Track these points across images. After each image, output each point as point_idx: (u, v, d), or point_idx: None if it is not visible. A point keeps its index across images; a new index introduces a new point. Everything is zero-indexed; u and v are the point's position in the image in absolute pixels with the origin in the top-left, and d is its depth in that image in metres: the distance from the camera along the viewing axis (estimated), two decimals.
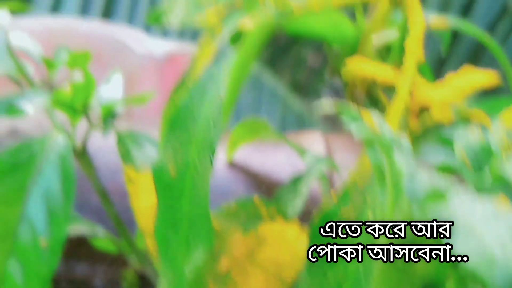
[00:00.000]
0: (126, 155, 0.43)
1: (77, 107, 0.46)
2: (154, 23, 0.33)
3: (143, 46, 0.71)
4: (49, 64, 0.51)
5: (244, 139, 0.56)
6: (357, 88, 0.37)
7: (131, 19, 1.50)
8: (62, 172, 0.42)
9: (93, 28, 0.72)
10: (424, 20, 0.33)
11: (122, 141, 0.44)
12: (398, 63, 0.35)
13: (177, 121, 0.31)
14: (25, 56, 0.54)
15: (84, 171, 0.48)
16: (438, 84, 0.34)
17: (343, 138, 0.62)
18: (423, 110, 0.34)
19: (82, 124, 0.49)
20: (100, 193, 0.47)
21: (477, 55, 1.48)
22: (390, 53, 0.43)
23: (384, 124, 0.27)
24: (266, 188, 0.56)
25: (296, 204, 0.46)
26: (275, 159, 0.57)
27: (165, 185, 0.31)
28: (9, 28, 0.64)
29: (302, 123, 1.71)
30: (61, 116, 0.49)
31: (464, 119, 0.32)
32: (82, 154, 0.47)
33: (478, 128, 0.29)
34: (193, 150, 0.30)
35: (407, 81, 0.32)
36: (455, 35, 1.53)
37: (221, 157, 0.56)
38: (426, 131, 0.33)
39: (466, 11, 1.52)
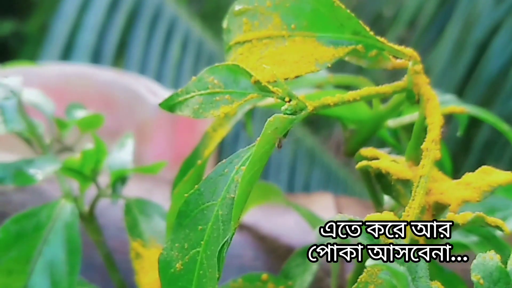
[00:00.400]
0: (133, 228, 0.42)
1: (86, 173, 0.45)
2: (167, 111, 0.33)
3: (157, 96, 0.71)
4: (61, 124, 0.51)
5: (253, 203, 0.55)
6: (371, 175, 0.36)
7: (142, 69, 1.51)
8: (68, 243, 0.42)
9: (108, 76, 0.72)
10: (441, 121, 0.32)
11: (129, 212, 0.43)
12: (414, 156, 0.34)
13: (186, 217, 0.30)
14: (38, 113, 0.53)
15: (91, 236, 0.47)
16: (455, 182, 0.33)
17: (355, 201, 0.61)
18: (439, 208, 0.33)
19: (91, 188, 0.48)
20: (105, 259, 0.47)
21: (495, 91, 1.48)
22: (404, 135, 0.42)
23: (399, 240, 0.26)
24: (276, 253, 0.55)
25: (305, 280, 0.45)
26: (285, 223, 0.56)
27: (170, 278, 0.30)
28: (25, 79, 0.63)
29: (313, 157, 1.71)
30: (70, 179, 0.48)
31: (480, 222, 0.32)
32: (89, 219, 0.46)
33: (496, 255, 0.28)
34: (202, 250, 0.29)
35: (425, 183, 0.31)
36: (472, 72, 1.53)
37: None
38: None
39: (482, 50, 1.51)
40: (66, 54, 1.54)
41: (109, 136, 0.70)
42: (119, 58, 1.59)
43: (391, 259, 0.25)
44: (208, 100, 0.31)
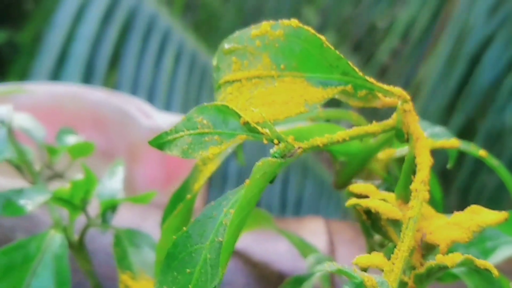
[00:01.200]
0: (122, 260, 0.42)
1: (76, 203, 0.45)
2: (156, 148, 0.33)
3: (149, 118, 0.71)
4: (51, 150, 0.51)
5: (244, 229, 0.55)
6: (360, 210, 0.36)
7: (135, 80, 1.51)
8: (57, 275, 0.42)
9: (99, 97, 0.72)
10: (430, 161, 0.32)
11: (119, 243, 0.43)
12: (404, 195, 0.34)
13: (174, 259, 0.30)
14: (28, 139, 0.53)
15: (80, 266, 0.47)
16: (444, 222, 0.33)
17: (346, 226, 0.61)
18: (428, 248, 0.33)
19: (82, 216, 0.48)
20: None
21: (487, 102, 1.48)
22: (395, 166, 0.42)
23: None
24: (267, 279, 0.55)
25: None
26: (276, 249, 0.56)
27: None
28: (14, 99, 0.63)
29: (305, 169, 1.71)
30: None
31: (469, 264, 0.32)
32: (79, 249, 0.46)
33: None
34: None
35: (413, 224, 0.31)
36: (465, 84, 1.53)
37: None
38: (430, 270, 0.32)
39: (475, 62, 1.52)
40: (59, 64, 1.54)
41: (100, 157, 0.70)
42: (112, 69, 1.58)
43: None
44: (197, 140, 0.31)
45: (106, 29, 1.57)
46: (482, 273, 0.42)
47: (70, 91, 0.74)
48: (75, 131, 0.55)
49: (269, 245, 0.56)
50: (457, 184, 1.41)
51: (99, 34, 1.56)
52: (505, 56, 1.51)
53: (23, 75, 1.70)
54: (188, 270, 0.29)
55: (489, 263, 0.31)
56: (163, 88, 1.57)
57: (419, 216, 0.32)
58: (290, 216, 1.54)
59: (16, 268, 0.41)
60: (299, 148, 0.30)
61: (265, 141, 0.30)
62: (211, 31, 1.83)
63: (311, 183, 1.68)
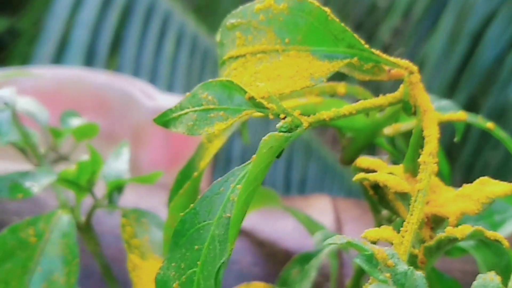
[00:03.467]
0: (130, 240, 0.42)
1: (82, 184, 0.45)
2: (161, 126, 0.33)
3: (152, 99, 0.71)
4: (55, 133, 0.51)
5: (251, 208, 0.55)
6: (367, 185, 0.36)
7: (136, 64, 1.50)
8: (65, 254, 0.42)
9: (102, 79, 0.71)
10: (438, 134, 0.32)
11: (126, 223, 0.43)
12: (412, 168, 0.34)
13: (182, 236, 0.30)
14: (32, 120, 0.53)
15: (88, 247, 0.47)
16: (453, 194, 0.33)
17: (352, 203, 0.61)
18: (437, 220, 0.33)
19: (88, 198, 0.48)
20: (103, 269, 0.47)
21: (489, 80, 1.48)
22: (401, 141, 0.42)
23: (398, 261, 0.26)
24: (274, 258, 0.55)
25: (304, 287, 0.45)
26: (283, 228, 0.56)
27: None
28: (17, 83, 0.63)
29: (309, 150, 1.70)
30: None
31: (479, 236, 0.31)
32: (86, 230, 0.46)
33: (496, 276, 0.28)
34: (199, 270, 0.29)
35: (423, 197, 0.31)
36: (467, 62, 1.52)
37: None
38: (440, 243, 0.32)
39: (476, 40, 1.51)
40: (60, 50, 1.54)
41: (104, 140, 0.70)
42: (113, 54, 1.58)
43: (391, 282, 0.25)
44: (202, 116, 0.31)
45: (106, 14, 1.56)
46: (490, 246, 0.42)
47: (73, 75, 0.74)
48: (78, 113, 0.55)
49: (276, 224, 0.56)
50: (461, 161, 1.41)
51: (100, 19, 1.55)
52: (507, 33, 1.50)
53: (24, 61, 1.70)
54: (196, 247, 0.29)
55: (499, 234, 0.31)
56: (164, 72, 1.57)
57: (428, 189, 0.31)
58: (294, 195, 1.54)
59: (25, 246, 0.41)
60: (305, 121, 0.30)
61: (271, 116, 0.30)
62: (211, 13, 1.82)
63: (315, 163, 1.68)
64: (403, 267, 0.26)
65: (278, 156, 0.29)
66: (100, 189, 0.48)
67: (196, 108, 0.31)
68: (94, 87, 0.74)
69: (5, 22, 2.00)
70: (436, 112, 0.34)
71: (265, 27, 0.33)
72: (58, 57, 1.51)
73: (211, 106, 0.31)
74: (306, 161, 1.66)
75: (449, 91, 1.50)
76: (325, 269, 0.53)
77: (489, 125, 0.39)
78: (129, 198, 0.54)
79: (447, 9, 1.55)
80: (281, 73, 0.32)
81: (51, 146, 0.52)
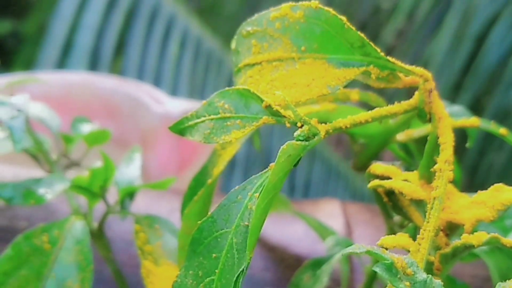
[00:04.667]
0: (143, 246, 0.42)
1: (95, 190, 0.45)
2: (177, 133, 0.33)
3: (160, 104, 0.71)
4: (67, 139, 0.51)
5: None
6: (381, 192, 0.36)
7: (141, 68, 1.50)
8: (79, 261, 0.42)
9: (110, 84, 0.71)
10: (453, 140, 0.32)
11: (139, 229, 0.43)
12: (427, 175, 0.34)
13: (200, 244, 0.30)
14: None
15: (100, 253, 0.47)
16: (468, 201, 0.33)
17: (362, 208, 0.61)
18: (453, 227, 0.33)
19: (100, 204, 0.48)
20: (115, 275, 0.47)
21: (493, 81, 1.48)
22: (414, 147, 0.42)
23: (417, 270, 0.26)
24: (285, 263, 0.55)
25: None
26: (294, 233, 0.56)
27: None
28: (26, 88, 0.63)
29: (313, 152, 1.70)
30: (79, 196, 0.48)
31: (495, 243, 0.31)
32: (98, 236, 0.46)
33: None
34: (217, 278, 0.29)
35: (439, 205, 0.31)
36: (471, 63, 1.52)
37: None
38: (456, 250, 0.32)
39: (480, 42, 1.51)
40: (64, 54, 1.54)
41: (113, 145, 0.70)
42: (118, 57, 1.58)
43: None
44: (219, 125, 0.31)
45: (110, 17, 1.57)
46: (504, 252, 0.42)
47: (81, 80, 0.74)
48: (89, 119, 0.55)
49: (286, 228, 0.56)
50: (465, 163, 1.41)
51: (104, 22, 1.56)
52: (511, 35, 1.50)
53: (28, 65, 1.70)
54: (214, 255, 0.29)
55: None
56: (169, 74, 1.57)
57: (444, 196, 0.31)
58: (298, 198, 1.54)
59: (39, 253, 0.42)
60: (322, 130, 0.30)
61: (287, 125, 0.30)
62: (215, 16, 1.82)
63: (319, 166, 1.68)
64: (422, 275, 0.26)
65: (295, 165, 0.30)
66: (112, 195, 0.49)
67: (213, 117, 0.31)
68: (103, 92, 0.74)
69: (9, 26, 2.00)
70: (451, 119, 0.35)
71: (281, 35, 0.33)
72: (62, 61, 1.51)
73: (228, 115, 0.31)
74: (310, 163, 1.66)
75: (453, 92, 1.50)
76: (336, 274, 0.53)
77: (502, 131, 0.39)
78: (140, 204, 0.54)
79: (451, 11, 1.55)
80: (297, 81, 0.32)
81: (63, 153, 0.52)
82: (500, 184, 0.33)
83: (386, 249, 0.31)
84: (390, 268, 0.26)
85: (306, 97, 0.32)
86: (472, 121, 0.38)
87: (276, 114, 0.30)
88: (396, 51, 1.73)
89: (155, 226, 0.44)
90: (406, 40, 1.77)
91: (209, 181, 0.38)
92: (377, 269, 0.26)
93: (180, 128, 0.33)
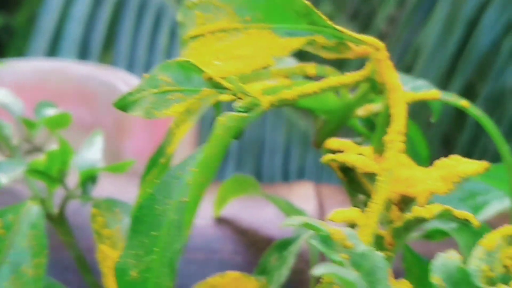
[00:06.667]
0: (101, 230, 0.41)
1: (53, 174, 0.44)
2: (121, 111, 0.32)
3: None
4: (28, 124, 0.50)
5: (232, 195, 0.54)
6: (335, 168, 0.35)
7: (131, 58, 1.50)
8: (33, 246, 0.41)
9: (85, 71, 0.70)
10: (405, 113, 0.31)
11: (97, 213, 0.42)
12: (380, 148, 0.33)
13: (140, 223, 0.29)
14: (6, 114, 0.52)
15: (62, 238, 0.46)
16: (422, 173, 0.32)
17: (336, 190, 0.60)
18: (406, 201, 0.32)
19: (62, 190, 0.47)
20: (78, 261, 0.46)
21: (486, 66, 1.47)
22: (373, 123, 0.41)
23: (357, 242, 0.25)
24: (256, 246, 0.54)
25: (282, 274, 0.44)
26: (264, 216, 0.55)
27: (126, 285, 0.29)
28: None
29: (307, 141, 1.69)
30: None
31: (448, 216, 0.30)
32: (59, 221, 0.45)
33: (457, 255, 0.27)
34: (156, 257, 0.28)
35: (388, 177, 0.30)
36: (463, 49, 1.51)
37: (208, 213, 0.55)
38: (408, 224, 0.31)
39: (472, 26, 1.50)
40: (54, 45, 1.53)
41: (88, 132, 0.69)
42: (107, 49, 1.57)
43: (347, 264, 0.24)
44: (160, 99, 0.30)
45: (99, 8, 1.56)
46: (472, 229, 0.41)
47: (55, 67, 0.73)
48: (55, 104, 0.54)
49: (257, 212, 0.55)
50: (459, 148, 1.40)
51: (92, 13, 1.55)
52: (502, 18, 1.49)
53: (19, 57, 1.69)
54: (154, 233, 0.28)
55: (468, 213, 0.30)
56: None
57: (395, 168, 0.30)
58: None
59: None
60: (265, 101, 0.29)
61: (227, 97, 0.29)
62: None
63: (313, 155, 1.67)
64: (361, 247, 0.25)
65: (236, 138, 0.28)
66: (74, 180, 0.47)
67: (154, 90, 0.30)
68: (77, 78, 0.73)
69: (1, 20, 1.99)
70: (406, 91, 0.33)
71: (225, 5, 0.32)
72: (52, 52, 1.50)
73: (169, 88, 0.30)
74: (303, 152, 1.65)
75: (446, 77, 1.49)
76: (307, 255, 0.52)
77: (463, 103, 0.38)
78: (108, 189, 0.53)
79: None
80: (242, 52, 0.31)
81: (25, 138, 0.51)
82: (457, 156, 0.32)
83: (352, 226, 0.30)
84: (326, 239, 0.25)
85: (250, 68, 0.30)
86: (432, 93, 0.37)
87: (217, 86, 0.29)
88: (389, 38, 1.71)
89: (115, 209, 0.43)
90: (398, 27, 1.75)
91: (162, 160, 0.37)
92: (313, 242, 0.25)
93: (123, 103, 0.31)
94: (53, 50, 1.52)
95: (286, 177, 1.60)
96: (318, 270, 0.22)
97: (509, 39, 1.47)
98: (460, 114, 1.43)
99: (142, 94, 0.31)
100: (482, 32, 1.50)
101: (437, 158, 0.33)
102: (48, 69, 0.74)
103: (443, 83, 1.46)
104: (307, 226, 0.25)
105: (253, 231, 0.54)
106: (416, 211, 0.30)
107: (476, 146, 1.41)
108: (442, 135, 1.39)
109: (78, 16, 1.54)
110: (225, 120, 0.28)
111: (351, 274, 0.23)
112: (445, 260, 0.26)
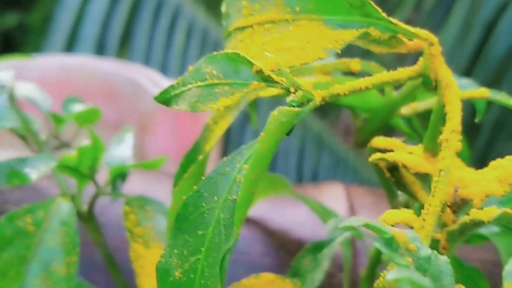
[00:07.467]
0: (133, 229, 0.40)
1: (83, 171, 0.43)
2: (163, 105, 0.30)
3: (160, 87, 0.68)
4: (57, 119, 0.49)
5: (260, 195, 0.53)
6: (383, 167, 0.34)
7: (146, 58, 1.49)
8: (65, 243, 0.39)
9: (110, 67, 0.69)
10: (461, 110, 0.29)
11: (130, 211, 0.41)
12: (432, 147, 0.31)
13: (185, 221, 0.28)
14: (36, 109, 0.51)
15: (90, 236, 0.45)
16: (477, 174, 0.31)
17: (366, 191, 0.59)
18: (461, 203, 0.31)
19: (91, 186, 0.46)
20: (106, 260, 0.44)
21: (503, 70, 1.45)
22: (418, 122, 0.40)
23: (421, 245, 0.24)
24: (286, 248, 0.53)
25: (316, 277, 0.43)
26: (295, 217, 0.54)
27: (169, 286, 0.28)
28: (23, 73, 0.61)
29: (321, 142, 1.68)
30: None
31: (507, 219, 0.29)
32: (88, 219, 0.44)
33: None
34: (203, 258, 0.27)
35: (445, 177, 0.28)
36: (480, 52, 1.50)
37: None
38: (463, 227, 0.30)
39: (489, 30, 1.48)
40: (70, 45, 1.53)
41: (111, 129, 0.68)
42: (123, 48, 1.56)
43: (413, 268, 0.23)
44: (207, 92, 0.29)
45: (116, 6, 1.55)
46: None
47: (80, 63, 0.72)
48: (81, 99, 0.53)
49: (287, 212, 0.54)
50: (474, 153, 1.38)
51: (109, 12, 1.54)
52: None
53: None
54: (200, 232, 0.27)
55: None
56: (175, 64, 1.55)
57: (451, 169, 0.29)
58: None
59: (22, 235, 0.39)
60: (317, 96, 0.28)
61: (280, 90, 0.28)
62: (221, 6, 1.80)
63: (327, 156, 1.65)
64: (426, 251, 0.23)
65: (288, 134, 0.27)
66: (104, 177, 0.46)
67: (200, 84, 0.29)
68: (102, 75, 0.72)
69: (16, 18, 1.99)
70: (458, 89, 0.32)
71: None
72: (68, 51, 1.50)
73: (216, 81, 0.29)
74: (318, 153, 1.64)
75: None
76: (339, 259, 0.50)
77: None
78: (137, 187, 0.52)
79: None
80: (291, 44, 0.29)
81: (53, 133, 0.50)
82: (511, 157, 0.31)
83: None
84: (391, 242, 0.23)
85: (300, 61, 0.29)
86: (481, 92, 0.36)
87: (267, 79, 0.28)
88: None
89: (146, 207, 0.42)
90: None
91: (200, 157, 0.36)
92: (376, 244, 0.23)
93: (166, 97, 0.30)
94: (69, 48, 1.51)
95: (300, 178, 1.58)
96: (392, 275, 0.21)
97: None
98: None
99: (187, 87, 0.29)
100: (499, 35, 1.48)
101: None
102: (72, 65, 0.73)
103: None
104: (368, 227, 0.24)
105: (283, 233, 0.53)
106: (474, 213, 0.29)
107: (492, 150, 1.39)
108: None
109: (95, 14, 1.53)
110: (278, 115, 0.26)
111: (425, 280, 0.21)
112: None
